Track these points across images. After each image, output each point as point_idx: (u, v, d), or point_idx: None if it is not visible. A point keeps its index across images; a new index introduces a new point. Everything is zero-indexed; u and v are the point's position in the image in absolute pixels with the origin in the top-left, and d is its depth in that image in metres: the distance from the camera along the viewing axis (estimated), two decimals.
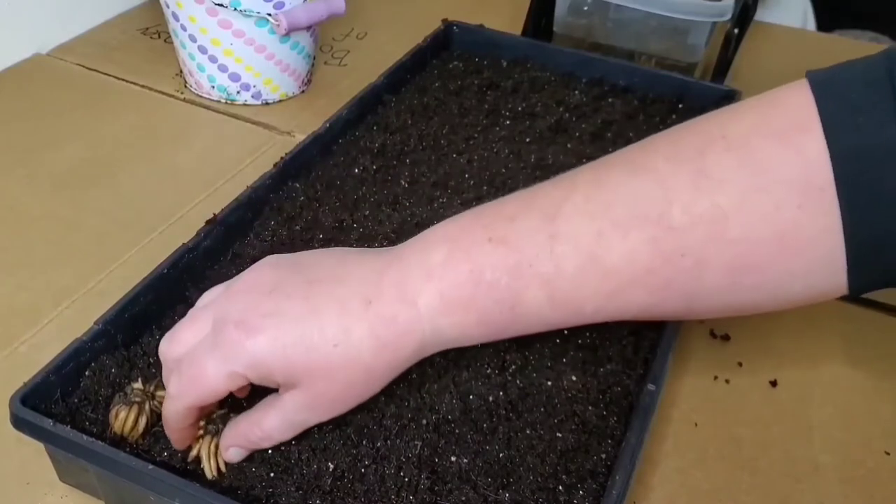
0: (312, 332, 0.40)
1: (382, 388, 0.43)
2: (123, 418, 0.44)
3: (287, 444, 0.44)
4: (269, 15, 0.72)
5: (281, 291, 0.41)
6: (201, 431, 0.43)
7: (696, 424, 0.52)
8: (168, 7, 0.75)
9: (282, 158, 0.63)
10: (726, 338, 0.58)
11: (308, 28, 0.76)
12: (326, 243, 0.58)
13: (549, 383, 0.49)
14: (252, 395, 0.45)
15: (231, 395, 0.47)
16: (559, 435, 0.46)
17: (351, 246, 0.58)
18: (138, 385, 0.45)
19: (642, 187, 0.40)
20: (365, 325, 0.40)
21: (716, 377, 0.55)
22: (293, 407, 0.41)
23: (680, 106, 0.76)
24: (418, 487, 0.43)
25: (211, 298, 0.44)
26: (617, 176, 0.41)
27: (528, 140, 0.71)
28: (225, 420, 0.44)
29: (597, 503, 0.43)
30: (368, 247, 0.58)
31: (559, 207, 0.41)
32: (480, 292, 0.40)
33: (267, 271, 0.43)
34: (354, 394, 0.42)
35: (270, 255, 0.45)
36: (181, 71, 0.81)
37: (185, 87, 0.81)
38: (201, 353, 0.41)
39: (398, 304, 0.41)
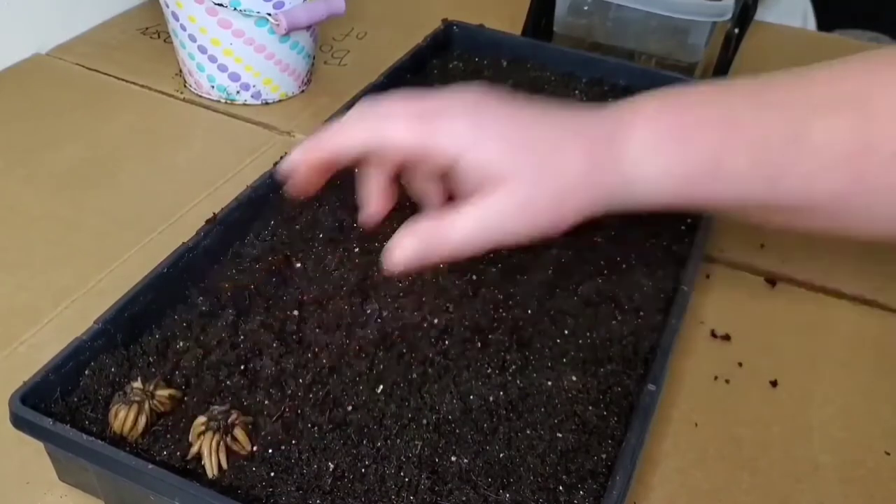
0: (536, 133, 0.42)
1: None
2: (123, 417, 0.44)
3: (287, 443, 0.44)
4: (269, 15, 0.72)
5: (504, 101, 0.43)
6: (203, 428, 0.43)
7: (696, 424, 0.52)
8: (168, 7, 0.75)
9: (282, 158, 0.63)
10: (726, 338, 0.58)
11: (308, 28, 0.76)
12: (327, 243, 0.58)
13: (549, 383, 0.49)
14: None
15: (232, 394, 0.47)
16: (559, 435, 0.46)
17: (352, 246, 0.58)
18: (138, 384, 0.45)
19: (843, 79, 0.41)
20: (580, 142, 0.42)
21: (716, 377, 0.55)
22: (495, 207, 0.41)
23: None
24: (418, 487, 0.43)
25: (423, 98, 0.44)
26: (815, 72, 0.42)
27: None
28: (227, 416, 0.44)
29: (597, 503, 0.43)
30: (368, 247, 0.58)
31: (765, 86, 0.43)
32: (687, 142, 0.42)
33: (484, 91, 0.44)
34: (554, 208, 0.42)
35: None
36: (181, 71, 0.81)
37: (185, 86, 0.81)
38: (435, 107, 0.42)
39: (610, 135, 0.42)
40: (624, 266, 0.58)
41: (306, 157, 0.44)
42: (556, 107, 0.45)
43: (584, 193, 0.42)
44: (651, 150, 0.42)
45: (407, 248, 0.42)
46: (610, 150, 0.42)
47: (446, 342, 0.51)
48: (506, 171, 0.41)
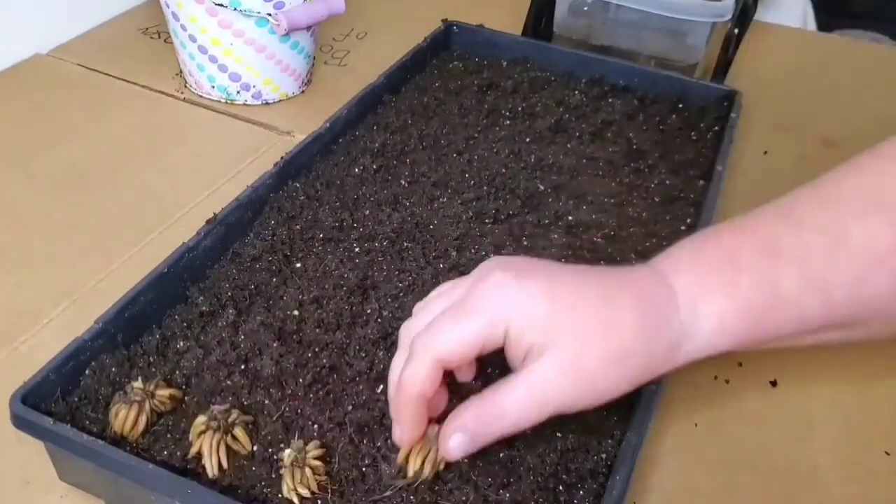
0: (578, 291, 0.39)
1: (628, 395, 0.40)
2: (123, 417, 0.44)
3: (287, 442, 0.44)
4: (269, 15, 0.72)
5: (540, 262, 0.42)
6: (203, 427, 0.43)
7: (696, 424, 0.52)
8: (168, 7, 0.75)
9: (282, 158, 0.63)
10: None
11: (308, 28, 0.76)
12: (326, 242, 0.58)
13: None
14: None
15: (233, 394, 0.47)
16: (559, 434, 0.46)
17: (351, 246, 0.58)
18: (138, 384, 0.45)
19: (866, 181, 0.40)
20: (630, 296, 0.40)
21: (716, 377, 0.55)
22: (541, 374, 0.38)
23: (680, 106, 0.76)
24: (419, 487, 0.43)
25: (453, 283, 0.43)
26: (835, 179, 0.41)
27: (528, 140, 0.71)
28: (227, 416, 0.44)
29: (597, 503, 0.43)
30: (368, 246, 0.58)
31: (791, 207, 0.41)
32: (740, 275, 0.40)
33: (518, 257, 0.43)
34: (608, 373, 0.39)
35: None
36: (181, 71, 0.81)
37: (186, 86, 0.81)
38: (465, 299, 0.39)
39: (657, 287, 0.40)
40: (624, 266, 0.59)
41: (407, 427, 0.41)
42: (588, 267, 0.43)
43: (642, 348, 0.39)
44: (702, 297, 0.40)
45: (457, 443, 0.40)
46: (661, 306, 0.40)
47: None
48: (550, 330, 0.38)
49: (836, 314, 0.40)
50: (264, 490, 0.43)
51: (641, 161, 0.69)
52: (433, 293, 0.44)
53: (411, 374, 0.39)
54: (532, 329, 0.38)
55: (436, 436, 0.40)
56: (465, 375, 0.45)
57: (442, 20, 0.84)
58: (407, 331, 0.42)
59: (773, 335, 0.41)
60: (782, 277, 0.39)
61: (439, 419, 0.42)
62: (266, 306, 0.53)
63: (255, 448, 0.44)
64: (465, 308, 0.39)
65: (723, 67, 0.81)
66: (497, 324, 0.38)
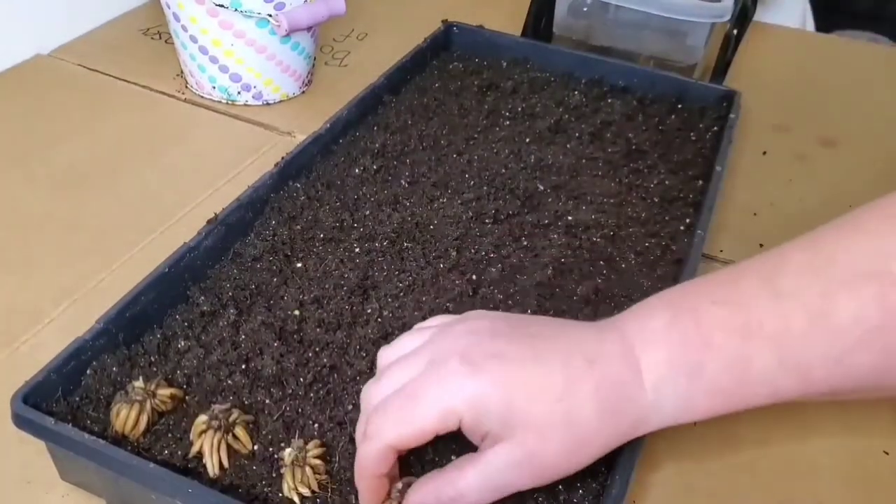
0: (537, 381, 0.38)
1: (586, 467, 0.40)
2: (125, 417, 0.44)
3: (288, 441, 0.44)
4: (270, 16, 0.72)
5: (503, 336, 0.40)
6: (204, 426, 0.43)
7: (695, 424, 0.52)
8: (169, 8, 0.75)
9: (282, 158, 0.63)
10: None
11: (308, 29, 0.76)
12: (327, 243, 0.58)
13: None
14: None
15: (233, 393, 0.47)
16: None
17: (351, 246, 0.58)
18: (139, 384, 0.45)
19: (860, 246, 0.38)
20: (590, 383, 0.38)
21: None
22: (497, 464, 0.38)
23: (679, 106, 0.76)
24: None
25: (415, 345, 0.42)
26: (830, 238, 0.39)
27: (527, 140, 0.71)
28: (228, 415, 0.44)
29: (597, 503, 0.43)
30: (369, 247, 0.58)
31: (778, 270, 0.39)
32: (710, 356, 0.39)
33: (483, 320, 0.42)
34: (564, 462, 0.39)
35: (478, 310, 0.44)
36: (182, 71, 0.81)
37: (187, 87, 0.81)
38: (419, 385, 0.39)
39: (622, 365, 0.39)
40: (623, 266, 0.59)
41: (367, 498, 0.41)
42: (555, 327, 0.42)
43: (605, 434, 0.39)
44: (668, 377, 0.39)
45: None
46: (624, 389, 0.39)
47: None
48: (508, 424, 0.38)
49: (813, 390, 0.39)
50: (265, 489, 0.43)
51: (641, 161, 0.69)
52: (398, 345, 0.43)
53: (365, 457, 0.39)
54: (487, 419, 0.38)
55: (399, 492, 0.41)
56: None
57: (442, 21, 0.84)
58: (368, 396, 0.41)
59: (746, 407, 0.40)
60: (755, 358, 0.38)
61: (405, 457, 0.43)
62: (267, 306, 0.53)
63: (255, 447, 0.44)
64: (419, 396, 0.39)
65: (722, 68, 0.82)
66: (449, 416, 0.38)
